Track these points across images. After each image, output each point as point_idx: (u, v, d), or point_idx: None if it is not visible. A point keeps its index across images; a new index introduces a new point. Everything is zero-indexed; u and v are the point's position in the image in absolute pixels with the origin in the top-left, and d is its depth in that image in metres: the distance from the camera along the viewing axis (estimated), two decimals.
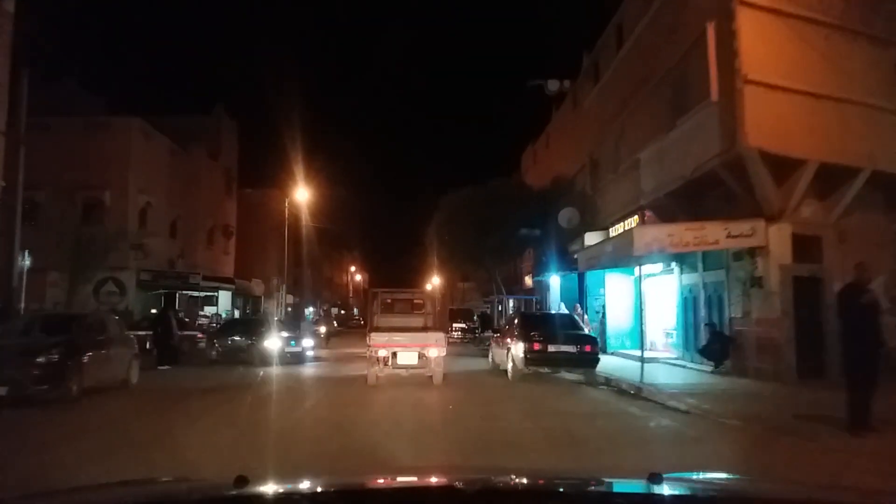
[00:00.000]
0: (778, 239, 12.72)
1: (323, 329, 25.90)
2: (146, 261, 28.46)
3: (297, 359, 19.70)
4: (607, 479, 2.53)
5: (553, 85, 23.77)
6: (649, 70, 16.61)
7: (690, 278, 16.47)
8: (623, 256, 13.77)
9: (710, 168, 13.05)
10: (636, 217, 17.85)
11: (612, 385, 12.97)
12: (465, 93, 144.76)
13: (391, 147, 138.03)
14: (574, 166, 26.08)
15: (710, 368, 14.34)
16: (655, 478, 1.94)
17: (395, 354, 13.17)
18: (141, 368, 13.75)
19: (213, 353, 18.59)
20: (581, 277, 25.74)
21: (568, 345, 13.22)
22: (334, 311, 73.97)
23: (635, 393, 11.67)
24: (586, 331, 14.87)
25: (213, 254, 36.10)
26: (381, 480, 2.55)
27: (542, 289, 32.97)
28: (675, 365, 16.09)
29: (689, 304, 16.63)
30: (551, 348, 13.06)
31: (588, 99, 23.52)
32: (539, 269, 30.45)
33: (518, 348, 13.40)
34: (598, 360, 13.37)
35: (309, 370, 18.39)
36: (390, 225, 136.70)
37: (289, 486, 2.22)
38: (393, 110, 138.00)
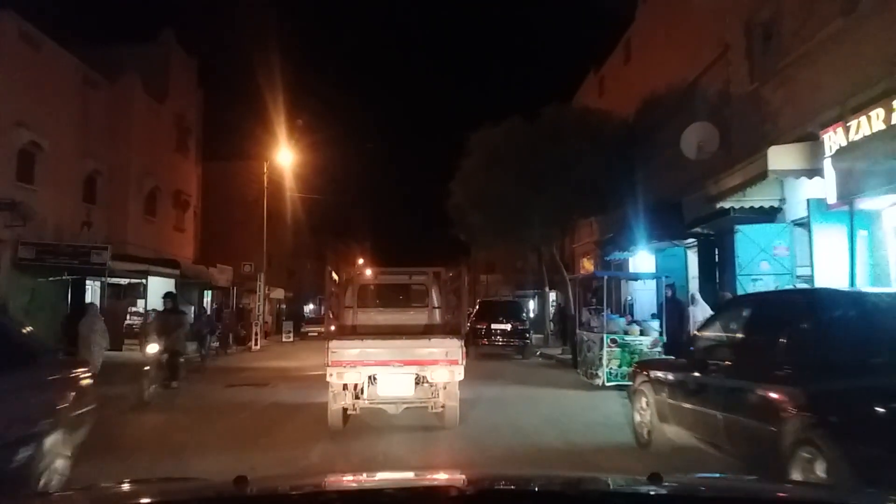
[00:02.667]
0: None
1: (153, 349, 10.83)
2: (28, 230, 18.83)
3: None
4: (607, 479, 2.49)
5: None
6: None
7: None
8: None
9: None
10: None
11: None
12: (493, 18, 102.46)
13: (403, 106, 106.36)
14: (692, 67, 16.08)
15: None
16: (655, 478, 1.88)
17: (374, 379, 8.09)
18: None
19: None
20: (715, 246, 15.92)
21: None
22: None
23: None
24: None
25: (157, 227, 26.43)
26: (381, 481, 2.49)
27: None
28: None
29: None
30: None
31: None
32: (614, 242, 20.29)
33: None
34: None
35: None
36: (403, 209, 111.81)
37: (289, 486, 2.18)
38: (400, 53, 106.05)
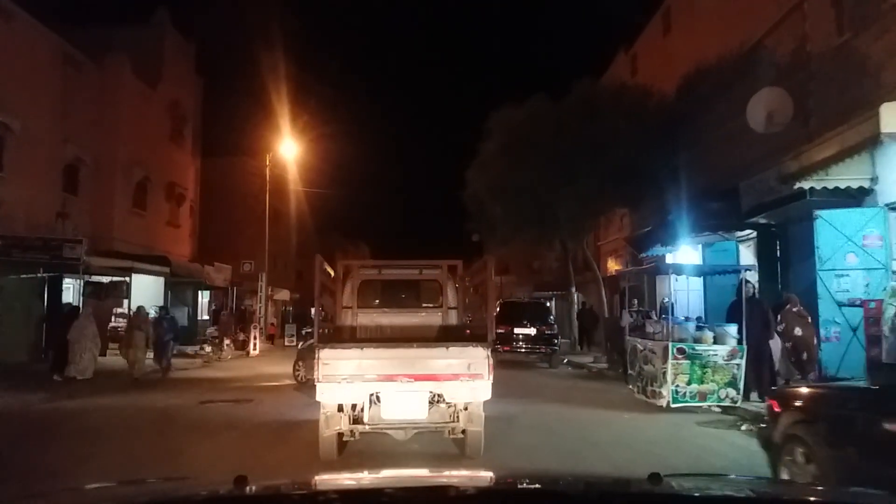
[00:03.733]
0: None
1: None
2: None
3: None
4: (607, 479, 2.55)
5: None
6: None
7: None
8: None
9: None
10: None
11: None
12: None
13: (416, 92, 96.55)
14: (753, 29, 13.81)
15: None
16: (655, 478, 1.86)
17: (376, 397, 6.44)
18: None
19: None
20: (777, 238, 13.75)
21: None
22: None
23: None
24: None
25: (147, 221, 24.36)
26: (381, 480, 2.42)
27: (637, 276, 20.59)
28: None
29: None
30: None
31: None
32: (653, 236, 17.95)
33: None
34: None
35: None
36: (416, 206, 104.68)
37: (289, 486, 2.14)
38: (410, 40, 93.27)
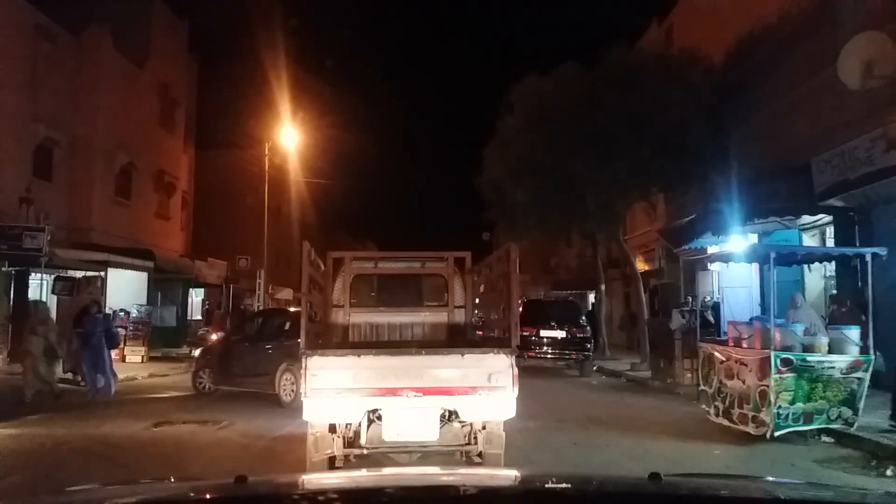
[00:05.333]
0: None
1: None
2: None
3: None
4: (607, 479, 2.47)
5: None
6: None
7: None
8: None
9: None
10: None
11: None
12: None
13: (428, 76, 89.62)
14: None
15: None
16: (655, 478, 1.82)
17: (376, 414, 5.57)
18: None
19: None
20: (856, 224, 11.58)
21: None
22: None
23: None
24: None
25: (132, 212, 22.30)
26: (381, 480, 2.35)
27: (674, 271, 18.34)
28: None
29: None
30: None
31: None
32: (701, 224, 15.65)
33: None
34: None
35: None
36: (427, 199, 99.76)
37: (289, 486, 2.11)
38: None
